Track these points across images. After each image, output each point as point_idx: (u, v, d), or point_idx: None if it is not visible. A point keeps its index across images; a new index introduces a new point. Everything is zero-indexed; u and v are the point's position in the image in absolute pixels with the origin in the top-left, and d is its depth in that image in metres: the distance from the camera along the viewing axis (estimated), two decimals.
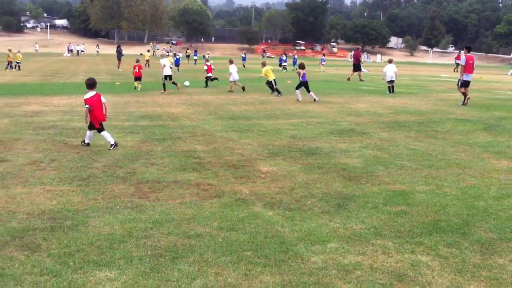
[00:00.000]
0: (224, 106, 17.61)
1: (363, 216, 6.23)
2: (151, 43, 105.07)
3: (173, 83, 22.83)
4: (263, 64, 23.24)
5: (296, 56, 49.91)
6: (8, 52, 37.96)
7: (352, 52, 59.18)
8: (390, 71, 23.77)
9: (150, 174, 8.07)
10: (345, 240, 5.44)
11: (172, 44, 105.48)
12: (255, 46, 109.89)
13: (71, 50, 78.08)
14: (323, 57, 50.69)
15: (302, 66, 20.09)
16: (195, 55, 58.16)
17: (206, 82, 25.86)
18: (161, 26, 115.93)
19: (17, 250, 4.94)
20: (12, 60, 36.88)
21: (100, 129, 10.17)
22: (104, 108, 10.31)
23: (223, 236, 5.42)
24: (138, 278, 4.42)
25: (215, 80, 26.24)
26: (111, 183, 7.49)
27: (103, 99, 10.28)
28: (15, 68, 36.76)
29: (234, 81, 23.53)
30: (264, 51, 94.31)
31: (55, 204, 6.43)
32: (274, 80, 22.21)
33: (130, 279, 4.40)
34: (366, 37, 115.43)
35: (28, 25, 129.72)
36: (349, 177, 8.16)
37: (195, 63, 54.94)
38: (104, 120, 10.32)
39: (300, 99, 19.62)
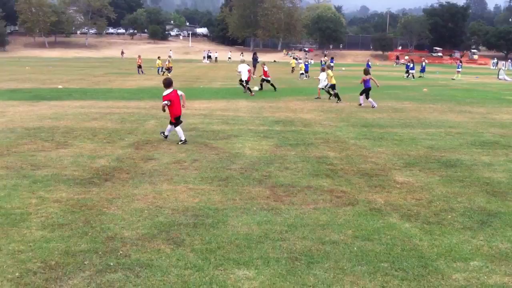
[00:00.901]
0: (357, 113, 17.39)
1: (510, 234, 5.79)
2: (284, 51, 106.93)
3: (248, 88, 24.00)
4: (323, 70, 23.43)
5: (424, 63, 47.34)
6: (168, 58, 41.60)
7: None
8: None
9: (284, 178, 8.23)
10: (490, 259, 5.10)
11: (305, 51, 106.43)
12: (389, 53, 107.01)
13: (209, 57, 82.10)
14: (460, 64, 47.60)
15: (367, 72, 19.80)
16: (332, 61, 58.16)
17: (261, 85, 26.33)
18: (295, 34, 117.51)
19: (163, 243, 5.31)
20: (170, 66, 39.91)
21: (176, 124, 11.25)
22: (182, 100, 11.43)
23: (358, 245, 5.36)
24: (275, 279, 4.52)
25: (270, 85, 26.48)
26: (248, 184, 7.75)
27: (179, 92, 11.35)
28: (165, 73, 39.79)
29: (323, 88, 23.35)
30: (397, 57, 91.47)
31: (197, 202, 6.80)
32: (334, 84, 22.20)
33: (268, 279, 4.52)
34: (511, 44, 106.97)
35: (172, 33, 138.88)
36: (493, 192, 7.63)
37: (331, 70, 55.01)
38: (180, 114, 11.35)
39: (362, 103, 19.75)
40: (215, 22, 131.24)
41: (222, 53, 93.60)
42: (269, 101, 21.01)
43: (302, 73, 38.84)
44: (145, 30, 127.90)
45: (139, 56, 41.83)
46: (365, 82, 19.56)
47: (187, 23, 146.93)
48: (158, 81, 34.01)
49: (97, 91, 24.21)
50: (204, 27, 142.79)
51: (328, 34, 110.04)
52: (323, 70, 23.86)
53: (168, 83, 11.26)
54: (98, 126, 13.16)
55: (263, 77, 26.33)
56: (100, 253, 5.00)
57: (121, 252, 5.04)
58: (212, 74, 44.76)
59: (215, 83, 32.02)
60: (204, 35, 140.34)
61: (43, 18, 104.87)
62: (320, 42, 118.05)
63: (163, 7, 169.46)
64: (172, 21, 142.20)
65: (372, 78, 19.84)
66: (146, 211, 6.36)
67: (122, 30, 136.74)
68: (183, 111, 11.70)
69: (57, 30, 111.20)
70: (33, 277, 4.45)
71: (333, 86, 22.24)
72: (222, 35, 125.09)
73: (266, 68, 26.89)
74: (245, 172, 8.53)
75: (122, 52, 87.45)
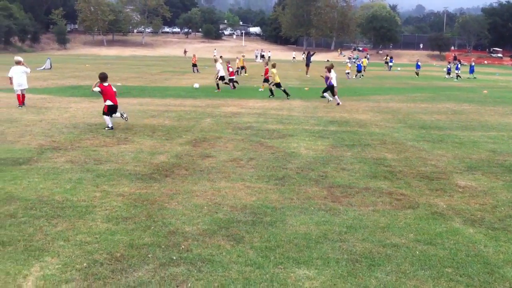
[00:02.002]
0: (414, 114, 17.02)
1: None
2: (338, 50, 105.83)
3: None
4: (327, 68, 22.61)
5: (473, 64, 45.46)
6: (241, 57, 41.87)
7: None
8: None
9: (341, 179, 8.16)
10: None
11: (358, 50, 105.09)
12: (446, 53, 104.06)
13: (262, 56, 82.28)
14: None
15: (330, 69, 19.87)
16: (391, 61, 57.26)
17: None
18: (349, 33, 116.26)
19: (223, 240, 5.38)
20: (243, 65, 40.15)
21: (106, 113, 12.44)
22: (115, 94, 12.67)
23: (421, 249, 5.25)
24: (335, 280, 4.50)
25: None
26: (304, 184, 7.73)
27: (114, 89, 12.72)
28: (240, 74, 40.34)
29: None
30: (455, 58, 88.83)
31: (255, 200, 6.85)
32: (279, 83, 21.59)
33: (328, 280, 4.50)
34: None
35: (226, 32, 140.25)
36: None
37: (389, 70, 54.31)
38: (117, 104, 12.63)
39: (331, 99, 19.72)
40: (268, 21, 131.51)
41: (275, 52, 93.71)
42: (323, 101, 20.87)
43: (348, 72, 38.61)
44: (199, 29, 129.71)
45: (194, 55, 42.53)
46: (327, 79, 19.85)
47: (241, 23, 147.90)
48: (213, 79, 34.46)
49: (154, 89, 24.75)
50: (257, 26, 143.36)
51: (383, 33, 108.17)
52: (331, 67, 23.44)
53: (103, 78, 12.48)
54: (156, 123, 13.46)
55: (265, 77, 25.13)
56: (162, 247, 5.12)
57: (183, 246, 5.14)
58: (263, 73, 44.83)
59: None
60: (257, 34, 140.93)
61: (102, 17, 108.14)
62: (374, 42, 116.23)
63: (217, 7, 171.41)
64: (225, 21, 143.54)
65: (330, 76, 19.89)
66: (205, 207, 6.46)
67: (177, 29, 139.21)
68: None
69: (114, 29, 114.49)
70: (100, 268, 4.60)
71: (277, 84, 21.86)
72: (274, 34, 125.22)
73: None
74: (302, 172, 8.52)
75: (185, 51, 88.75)
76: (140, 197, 6.79)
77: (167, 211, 6.25)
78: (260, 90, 25.51)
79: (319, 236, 5.55)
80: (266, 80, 24.79)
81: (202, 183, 7.63)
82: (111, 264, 4.68)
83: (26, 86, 16.77)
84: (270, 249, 5.16)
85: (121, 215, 6.03)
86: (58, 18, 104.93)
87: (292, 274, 4.59)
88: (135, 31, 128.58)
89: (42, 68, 38.65)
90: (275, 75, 21.76)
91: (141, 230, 5.56)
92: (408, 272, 4.70)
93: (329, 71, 19.88)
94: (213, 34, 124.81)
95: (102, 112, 12.70)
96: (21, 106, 16.29)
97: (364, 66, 45.14)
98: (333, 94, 19.80)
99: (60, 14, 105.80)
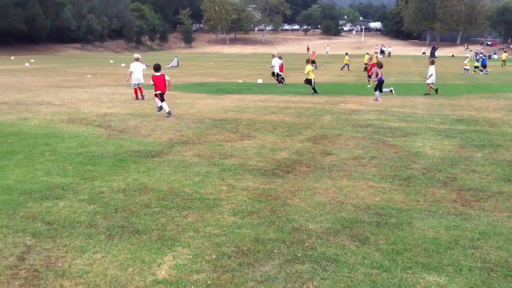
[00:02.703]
0: None
1: None
2: (465, 45, 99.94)
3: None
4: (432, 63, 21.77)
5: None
6: (345, 55, 41.78)
7: None
8: None
9: (471, 181, 7.69)
10: None
11: (487, 45, 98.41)
12: None
13: (382, 52, 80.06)
14: None
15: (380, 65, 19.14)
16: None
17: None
18: (477, 27, 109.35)
19: (348, 240, 5.32)
20: (348, 63, 40.04)
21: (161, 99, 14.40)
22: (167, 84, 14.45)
23: None
24: None
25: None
26: (431, 186, 7.41)
27: (167, 77, 14.45)
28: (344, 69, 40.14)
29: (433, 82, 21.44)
30: None
31: (379, 200, 6.69)
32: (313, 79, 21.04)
33: None
34: None
35: (345, 28, 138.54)
36: None
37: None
38: (164, 91, 14.44)
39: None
40: (389, 15, 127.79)
41: (396, 47, 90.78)
42: (448, 98, 19.84)
43: (467, 68, 36.27)
44: (318, 26, 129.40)
45: (314, 52, 42.58)
46: (377, 74, 19.18)
47: (361, 18, 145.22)
48: (331, 76, 34.27)
49: (274, 86, 25.10)
50: (377, 21, 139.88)
51: None
52: (432, 63, 22.10)
53: (156, 68, 14.45)
54: (277, 120, 13.66)
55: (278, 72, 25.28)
56: (287, 243, 5.18)
57: (307, 244, 5.16)
58: (385, 69, 43.61)
59: (389, 79, 31.17)
60: (377, 30, 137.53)
61: (225, 16, 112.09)
62: (505, 35, 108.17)
63: (337, 2, 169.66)
64: (345, 16, 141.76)
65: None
66: (328, 205, 6.43)
67: (296, 26, 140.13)
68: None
69: (237, 27, 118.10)
70: (228, 260, 4.76)
71: (309, 81, 21.29)
72: (396, 29, 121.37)
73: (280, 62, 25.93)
74: (428, 173, 8.16)
75: (308, 48, 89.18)
76: (263, 192, 6.94)
77: (290, 207, 6.31)
78: (368, 86, 25.05)
79: (449, 241, 5.28)
80: (370, 76, 25.19)
81: (323, 181, 7.61)
82: (238, 258, 4.82)
83: (142, 81, 18.37)
84: (397, 252, 5.01)
85: (246, 209, 6.20)
86: (185, 18, 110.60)
87: (421, 280, 4.41)
88: (256, 29, 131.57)
89: (170, 66, 40.90)
90: (310, 72, 21.21)
91: (265, 225, 5.67)
92: None
93: (380, 67, 19.08)
94: (332, 30, 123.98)
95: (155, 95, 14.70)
96: (138, 99, 17.90)
97: (503, 61, 42.25)
98: (380, 90, 18.95)
99: (187, 14, 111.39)
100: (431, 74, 21.32)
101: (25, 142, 10.18)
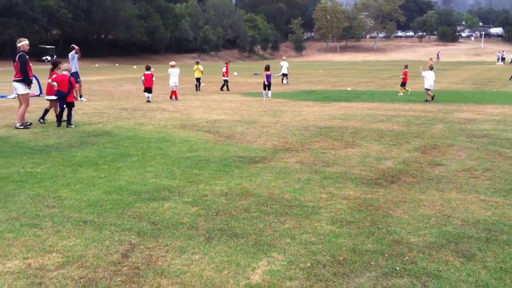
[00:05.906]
0: None
1: None
2: None
3: None
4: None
5: None
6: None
7: None
8: None
9: None
10: None
11: None
12: None
13: (503, 59, 74.97)
14: None
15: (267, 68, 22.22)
16: None
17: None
18: None
19: (452, 255, 5.00)
20: None
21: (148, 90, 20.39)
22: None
23: None
24: None
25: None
26: None
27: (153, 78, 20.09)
28: None
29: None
30: None
31: (490, 215, 6.24)
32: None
33: None
34: None
35: (463, 34, 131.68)
36: None
37: None
38: (151, 86, 20.27)
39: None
40: None
41: None
42: None
43: None
44: (434, 32, 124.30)
45: (431, 59, 41.36)
46: (267, 76, 21.81)
47: (480, 23, 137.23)
48: (446, 83, 32.69)
49: (384, 93, 24.50)
50: (499, 26, 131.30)
51: None
52: (431, 68, 21.49)
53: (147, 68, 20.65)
54: (384, 128, 13.28)
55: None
56: (386, 255, 4.99)
57: (407, 257, 4.94)
58: (505, 77, 40.81)
59: (510, 87, 29.11)
60: (498, 35, 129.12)
61: (337, 24, 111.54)
62: None
63: (455, 8, 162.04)
64: (463, 22, 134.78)
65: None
66: (433, 218, 6.11)
67: (410, 33, 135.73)
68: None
69: (348, 35, 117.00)
70: (322, 269, 4.68)
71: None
72: None
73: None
74: None
75: (438, 55, 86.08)
76: (364, 202, 6.75)
77: (391, 219, 6.08)
78: (399, 95, 23.77)
79: None
80: (403, 84, 24.69)
81: (430, 192, 7.25)
82: (333, 267, 4.72)
83: (177, 84, 21.98)
84: (506, 271, 4.62)
85: (345, 219, 6.07)
86: (296, 27, 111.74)
87: None
88: (367, 36, 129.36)
89: (279, 74, 41.41)
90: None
91: (364, 236, 5.51)
92: None
93: (266, 69, 22.23)
94: (449, 36, 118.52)
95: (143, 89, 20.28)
96: (173, 99, 21.30)
97: None
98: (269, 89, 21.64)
99: (299, 23, 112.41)
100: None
101: (139, 146, 10.81)
